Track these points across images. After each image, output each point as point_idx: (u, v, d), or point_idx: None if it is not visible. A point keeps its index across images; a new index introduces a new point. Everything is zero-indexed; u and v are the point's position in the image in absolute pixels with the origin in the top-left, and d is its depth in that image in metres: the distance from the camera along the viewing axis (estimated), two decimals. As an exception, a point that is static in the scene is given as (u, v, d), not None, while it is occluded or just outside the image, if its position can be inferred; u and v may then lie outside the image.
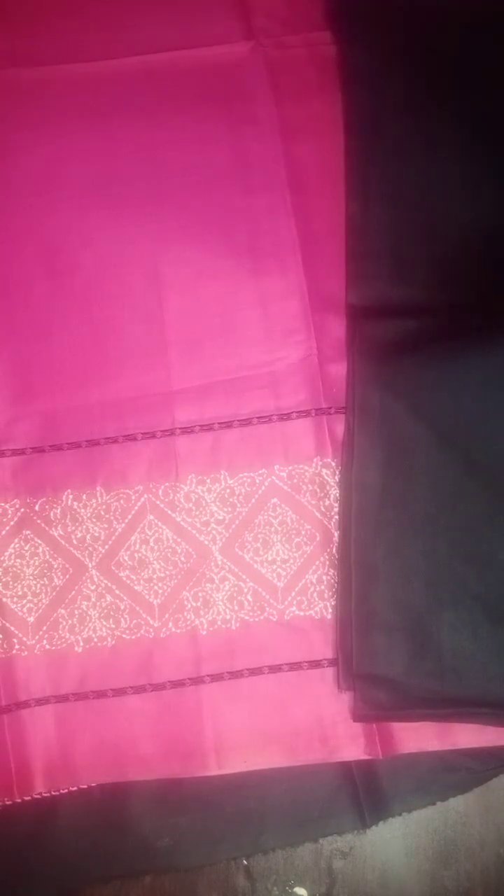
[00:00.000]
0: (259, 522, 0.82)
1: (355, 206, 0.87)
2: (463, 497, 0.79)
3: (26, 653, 0.81)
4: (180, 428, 0.84)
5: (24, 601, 0.82)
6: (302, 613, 0.81)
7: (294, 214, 0.89)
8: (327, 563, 0.81)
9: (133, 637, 0.80)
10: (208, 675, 0.80)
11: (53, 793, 0.78)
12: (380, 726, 0.78)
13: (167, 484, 0.83)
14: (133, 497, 0.83)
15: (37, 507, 0.83)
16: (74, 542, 0.82)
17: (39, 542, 0.83)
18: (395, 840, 0.81)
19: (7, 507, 0.83)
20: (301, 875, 0.80)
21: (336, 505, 0.82)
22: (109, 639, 0.81)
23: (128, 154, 0.91)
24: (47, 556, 0.82)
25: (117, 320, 0.87)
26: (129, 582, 0.82)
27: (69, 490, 0.83)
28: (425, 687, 0.77)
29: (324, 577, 0.81)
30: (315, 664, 0.80)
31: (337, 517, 0.81)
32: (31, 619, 0.81)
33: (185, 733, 0.78)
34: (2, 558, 0.82)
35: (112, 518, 0.83)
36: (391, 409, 0.81)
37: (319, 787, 0.79)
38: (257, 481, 0.83)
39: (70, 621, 0.81)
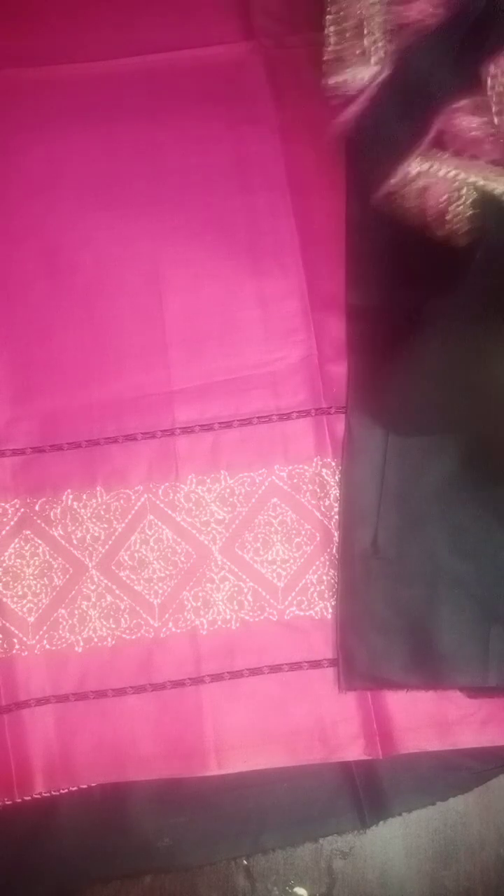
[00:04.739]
0: (259, 522, 0.82)
1: (356, 205, 0.87)
2: (462, 496, 0.79)
3: (26, 653, 0.81)
4: (180, 428, 0.84)
5: (25, 601, 0.81)
6: (302, 613, 0.80)
7: (294, 214, 0.89)
8: (327, 563, 0.81)
9: (133, 637, 0.80)
10: (208, 675, 0.79)
11: (53, 793, 0.78)
12: (380, 726, 0.78)
13: (167, 484, 0.83)
14: (133, 497, 0.83)
15: (37, 507, 0.83)
16: (74, 542, 0.82)
17: (39, 542, 0.83)
18: (395, 840, 0.81)
19: (7, 507, 0.83)
20: (301, 875, 0.80)
21: (336, 505, 0.81)
22: (109, 639, 0.80)
23: (128, 154, 0.91)
24: (47, 556, 0.82)
25: (117, 320, 0.87)
26: (129, 582, 0.82)
27: (69, 490, 0.83)
28: (423, 686, 0.77)
29: (324, 577, 0.81)
30: (315, 664, 0.79)
31: (337, 517, 0.81)
32: (32, 619, 0.81)
33: (185, 733, 0.78)
34: (2, 558, 0.82)
35: (112, 518, 0.83)
36: (390, 409, 0.81)
37: (319, 787, 0.79)
38: (257, 481, 0.83)
39: (70, 621, 0.81)
